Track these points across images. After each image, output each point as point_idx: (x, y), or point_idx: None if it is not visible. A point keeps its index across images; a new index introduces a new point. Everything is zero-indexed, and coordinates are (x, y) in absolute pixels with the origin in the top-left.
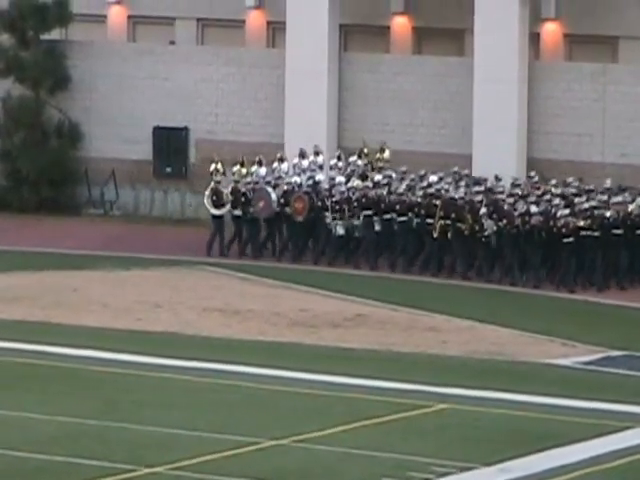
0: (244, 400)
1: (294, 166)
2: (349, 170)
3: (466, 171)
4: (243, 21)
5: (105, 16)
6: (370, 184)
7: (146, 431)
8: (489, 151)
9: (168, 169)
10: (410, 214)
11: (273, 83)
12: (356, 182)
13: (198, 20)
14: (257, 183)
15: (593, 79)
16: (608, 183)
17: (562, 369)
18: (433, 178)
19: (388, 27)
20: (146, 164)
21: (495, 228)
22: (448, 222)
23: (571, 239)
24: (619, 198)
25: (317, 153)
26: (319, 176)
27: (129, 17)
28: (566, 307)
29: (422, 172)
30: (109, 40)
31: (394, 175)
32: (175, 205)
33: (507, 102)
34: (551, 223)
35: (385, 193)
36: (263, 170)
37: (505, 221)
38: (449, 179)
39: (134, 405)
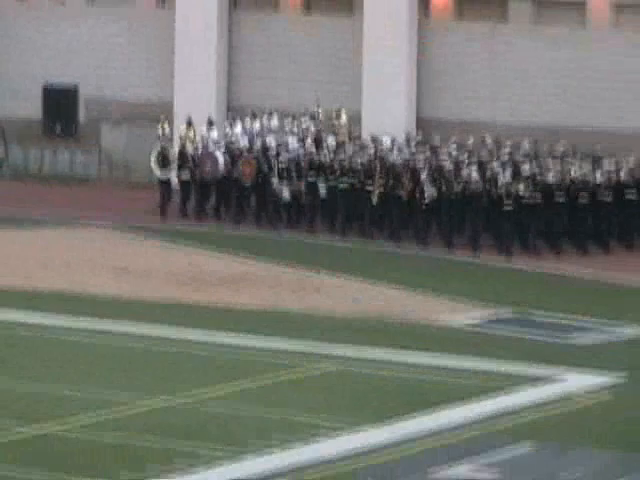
0: (135, 359)
1: (244, 128)
2: (302, 134)
3: (418, 136)
4: None
5: None
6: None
7: (35, 389)
8: (378, 110)
9: (58, 127)
10: (351, 179)
11: (163, 42)
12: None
13: None
14: (205, 146)
15: (482, 39)
16: (561, 148)
17: (451, 329)
18: (387, 141)
19: None
20: (36, 123)
21: (436, 195)
22: (387, 188)
23: (511, 205)
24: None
25: (270, 114)
26: (269, 139)
27: None
28: (457, 268)
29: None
30: None
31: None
32: (64, 164)
33: (396, 61)
34: (492, 189)
35: (329, 159)
36: (214, 133)
37: (445, 187)
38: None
39: (22, 363)
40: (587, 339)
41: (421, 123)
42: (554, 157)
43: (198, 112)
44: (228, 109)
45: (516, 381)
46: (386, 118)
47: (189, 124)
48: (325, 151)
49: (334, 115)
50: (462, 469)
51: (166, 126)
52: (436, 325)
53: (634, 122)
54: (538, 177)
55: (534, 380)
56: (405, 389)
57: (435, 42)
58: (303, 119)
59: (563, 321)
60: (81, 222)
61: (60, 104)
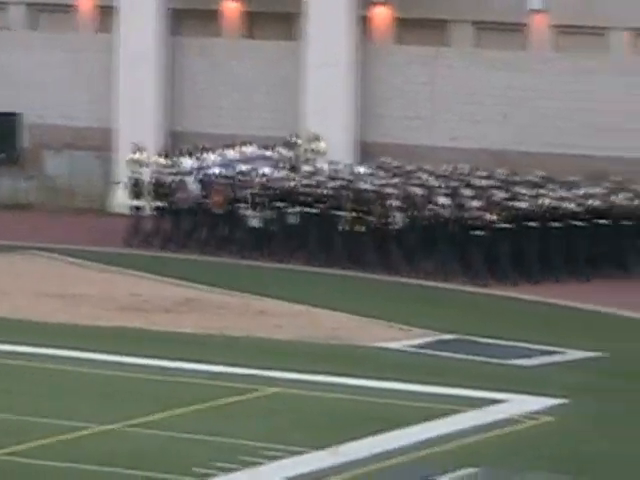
0: (75, 385)
1: (220, 157)
2: (278, 162)
3: (395, 162)
4: (73, 6)
5: None
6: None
7: None
8: (321, 134)
9: (1, 154)
10: (321, 206)
11: (104, 68)
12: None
13: (28, 5)
14: (180, 174)
15: (423, 62)
16: (537, 175)
17: (395, 352)
18: (361, 169)
19: (219, 11)
20: None
21: (404, 220)
22: (358, 215)
23: (481, 232)
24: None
25: (244, 143)
26: (242, 167)
27: None
28: (401, 291)
29: (349, 163)
30: None
31: (325, 166)
32: (6, 190)
33: (338, 85)
34: (461, 215)
35: (299, 185)
36: (189, 161)
37: (415, 213)
38: (378, 172)
39: None
40: (529, 362)
41: (363, 147)
42: (527, 184)
43: (139, 139)
44: (170, 136)
45: (459, 404)
46: (329, 142)
47: (166, 155)
48: (297, 178)
49: (311, 141)
50: None
51: (137, 154)
52: (380, 348)
53: (576, 146)
54: (509, 204)
55: (477, 403)
56: (349, 413)
57: (376, 66)
58: (280, 148)
59: (506, 344)
60: (21, 248)
61: (2, 131)
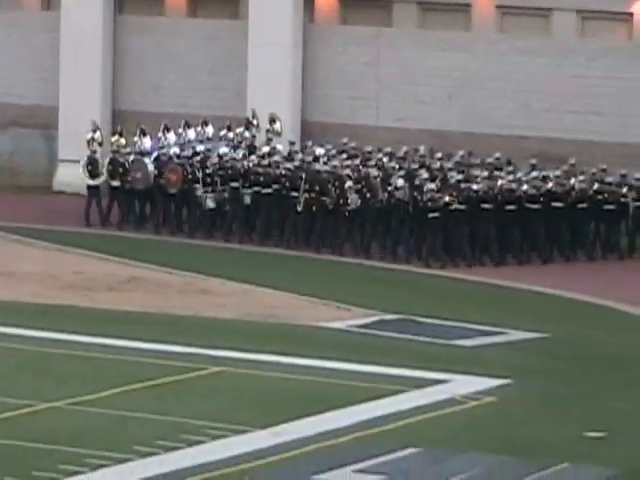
0: (18, 362)
1: (179, 136)
2: (236, 142)
3: (352, 143)
4: None
5: None
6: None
7: None
8: (263, 114)
9: None
10: (276, 186)
11: (49, 46)
12: (242, 154)
13: None
14: (138, 153)
15: (367, 43)
16: (496, 156)
17: (336, 332)
18: (319, 150)
19: None
20: None
21: (359, 202)
22: (313, 195)
23: (437, 214)
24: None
25: (205, 123)
26: (199, 147)
27: None
28: (349, 272)
29: (309, 143)
30: None
31: (279, 147)
32: None
33: (281, 65)
34: (417, 197)
35: (252, 165)
36: (147, 140)
37: (369, 195)
38: (334, 151)
39: None
40: (472, 342)
41: (306, 127)
42: (485, 166)
43: (83, 117)
44: (113, 115)
45: (401, 384)
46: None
47: (120, 133)
48: (253, 158)
49: (268, 121)
50: (346, 473)
51: (97, 134)
52: (324, 328)
53: (518, 127)
54: (464, 185)
55: (420, 383)
56: (292, 392)
57: (320, 46)
58: (238, 129)
59: (449, 324)
60: None
61: None
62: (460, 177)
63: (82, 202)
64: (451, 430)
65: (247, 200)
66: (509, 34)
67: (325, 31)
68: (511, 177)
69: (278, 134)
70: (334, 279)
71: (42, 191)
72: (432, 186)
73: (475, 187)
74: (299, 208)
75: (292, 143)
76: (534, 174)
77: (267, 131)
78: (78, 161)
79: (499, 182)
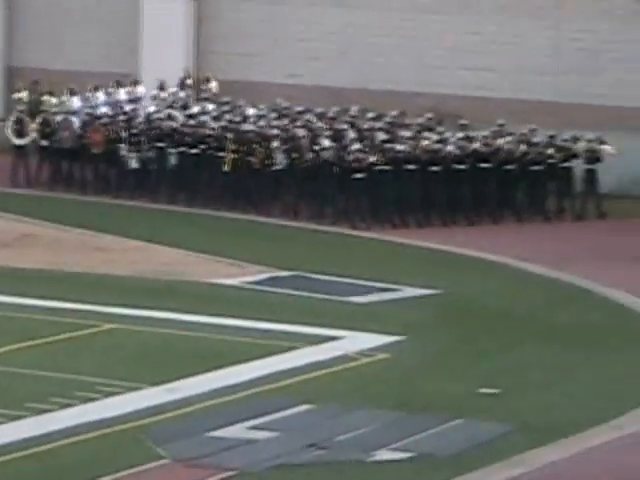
0: None
1: (108, 95)
2: (169, 101)
3: (286, 104)
4: None
5: None
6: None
7: None
8: (157, 71)
9: None
10: (202, 146)
11: None
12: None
13: None
14: (68, 113)
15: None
16: (428, 116)
17: (229, 289)
18: (251, 111)
19: None
20: None
21: (286, 162)
22: (239, 156)
23: (362, 174)
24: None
25: (136, 83)
26: (127, 107)
27: None
28: (253, 230)
29: (240, 103)
30: None
31: (211, 107)
32: None
33: (174, 21)
34: (344, 158)
35: (179, 125)
36: (76, 100)
37: (296, 155)
38: (273, 114)
39: None
40: (366, 299)
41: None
42: (417, 126)
43: None
44: (8, 71)
45: (295, 341)
46: (165, 77)
47: (51, 93)
48: (179, 117)
49: (203, 81)
50: (240, 429)
51: (24, 93)
52: (217, 284)
53: (412, 83)
54: (389, 146)
55: (313, 340)
56: (186, 349)
57: (213, 2)
58: (171, 89)
59: (342, 281)
60: None
61: None
62: (384, 137)
63: None
64: (345, 387)
65: (173, 160)
66: None
67: None
68: (436, 137)
69: (214, 94)
70: (231, 237)
71: None
72: (357, 146)
73: (399, 147)
74: (225, 168)
75: (225, 103)
76: (459, 135)
77: (202, 90)
78: None
79: (424, 142)
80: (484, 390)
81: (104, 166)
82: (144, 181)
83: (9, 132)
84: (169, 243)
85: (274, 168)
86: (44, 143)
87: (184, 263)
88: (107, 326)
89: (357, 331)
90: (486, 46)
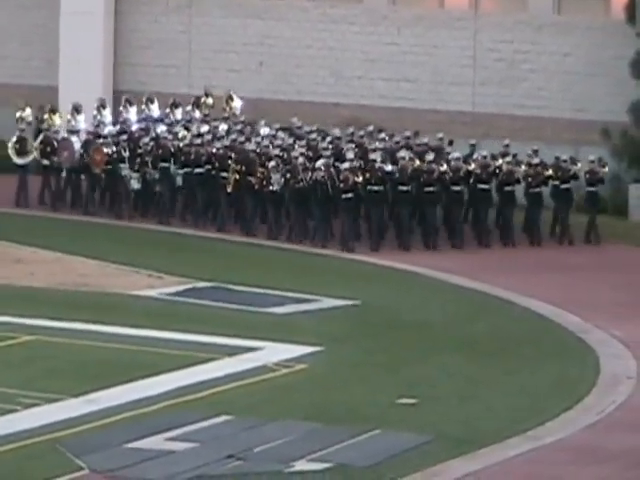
0: None
1: (119, 114)
2: (184, 121)
3: (299, 123)
4: None
5: None
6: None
7: None
8: (75, 83)
9: None
10: (209, 167)
11: None
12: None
13: None
14: (72, 132)
15: (179, 11)
16: (439, 136)
17: (148, 300)
18: (265, 130)
19: None
20: None
21: (282, 182)
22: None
23: (350, 195)
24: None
25: (150, 101)
26: (134, 126)
27: None
28: (155, 239)
29: (261, 122)
30: None
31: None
32: None
33: (93, 34)
34: (336, 178)
35: (183, 144)
36: (82, 118)
37: (290, 175)
38: (281, 133)
39: None
40: (284, 310)
41: (118, 96)
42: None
43: None
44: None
45: (214, 352)
46: (82, 92)
47: (52, 111)
48: (186, 136)
49: (227, 100)
50: (159, 440)
51: (27, 111)
52: (135, 296)
53: (327, 94)
54: (377, 166)
55: (232, 351)
56: (104, 360)
57: (133, 15)
58: (188, 108)
59: (261, 292)
60: None
61: None
62: (376, 157)
63: None
64: (263, 398)
65: (179, 181)
66: (320, 2)
67: (136, 1)
68: (431, 158)
69: (234, 114)
70: (151, 249)
71: None
72: (345, 166)
73: (388, 168)
74: (229, 189)
75: (237, 123)
76: (456, 155)
77: (224, 109)
78: None
79: (416, 163)
80: (402, 400)
81: (104, 186)
82: (142, 202)
83: (10, 151)
84: (89, 255)
85: (271, 188)
86: (45, 162)
87: (101, 275)
88: (25, 338)
89: (276, 342)
90: (404, 57)
